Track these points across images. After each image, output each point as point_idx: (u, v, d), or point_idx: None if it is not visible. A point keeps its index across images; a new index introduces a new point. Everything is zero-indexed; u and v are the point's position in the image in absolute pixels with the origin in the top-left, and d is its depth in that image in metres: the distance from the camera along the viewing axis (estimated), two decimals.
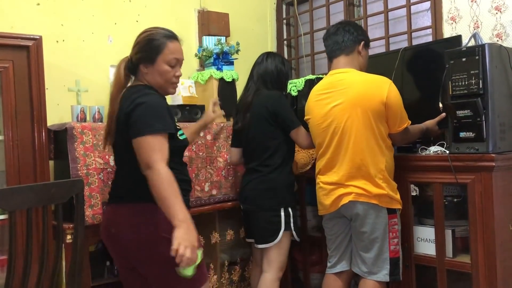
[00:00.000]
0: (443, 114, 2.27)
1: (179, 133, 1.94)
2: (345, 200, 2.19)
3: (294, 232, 2.51)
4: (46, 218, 1.83)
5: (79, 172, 2.32)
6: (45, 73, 2.37)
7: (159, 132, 1.72)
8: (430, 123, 2.35)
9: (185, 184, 1.93)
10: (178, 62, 1.91)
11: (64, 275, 2.27)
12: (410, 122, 2.23)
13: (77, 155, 2.34)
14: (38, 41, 2.33)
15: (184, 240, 1.58)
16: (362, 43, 2.31)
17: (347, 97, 2.19)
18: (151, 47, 1.86)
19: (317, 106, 2.32)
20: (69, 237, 2.25)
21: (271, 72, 2.58)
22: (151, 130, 1.71)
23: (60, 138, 2.44)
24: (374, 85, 2.18)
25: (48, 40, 2.62)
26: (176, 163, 1.87)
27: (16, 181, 2.24)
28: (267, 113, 2.48)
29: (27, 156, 2.29)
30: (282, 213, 2.45)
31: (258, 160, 2.51)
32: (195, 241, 1.62)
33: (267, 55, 2.66)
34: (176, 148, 1.88)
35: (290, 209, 2.48)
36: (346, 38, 2.29)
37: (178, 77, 1.93)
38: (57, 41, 2.77)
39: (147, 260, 1.83)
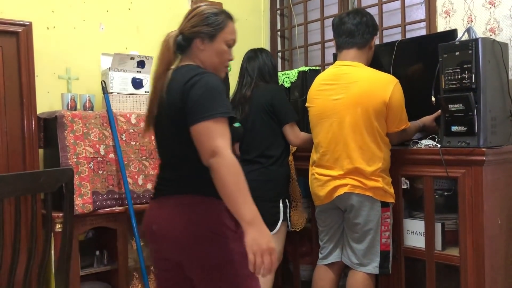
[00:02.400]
0: (440, 111, 2.26)
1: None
2: (341, 191, 2.19)
3: (289, 223, 2.56)
4: (35, 207, 1.81)
5: (69, 161, 2.30)
6: (35, 60, 2.34)
7: (222, 117, 1.51)
8: (427, 119, 2.34)
9: None
10: (234, 44, 1.75)
11: (53, 264, 2.26)
12: (409, 124, 2.23)
13: (67, 144, 2.32)
14: (28, 27, 2.30)
15: (258, 246, 1.41)
16: (375, 37, 2.28)
17: (349, 94, 2.18)
18: (213, 22, 1.66)
19: (318, 96, 2.31)
20: (58, 226, 2.24)
21: (269, 66, 2.63)
22: (213, 114, 1.50)
23: (50, 126, 2.41)
24: (379, 84, 2.16)
25: (39, 27, 2.58)
26: None
27: (5, 169, 2.22)
28: (267, 105, 2.50)
29: (16, 144, 2.27)
30: (281, 204, 2.49)
31: (257, 151, 2.52)
32: (268, 243, 1.42)
33: (259, 50, 2.69)
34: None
35: (287, 200, 2.54)
36: (362, 31, 2.23)
37: (230, 60, 1.76)
38: (47, 28, 2.73)
39: (189, 260, 1.59)
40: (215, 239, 1.55)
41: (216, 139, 1.47)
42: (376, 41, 2.90)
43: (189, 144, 1.54)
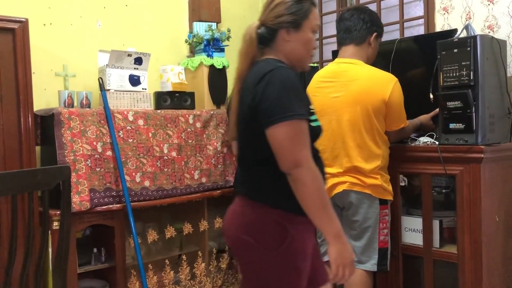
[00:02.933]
0: (438, 110, 2.26)
1: (311, 117, 1.56)
2: (339, 188, 2.19)
3: None
4: (32, 205, 1.80)
5: (66, 158, 2.29)
6: (32, 57, 2.32)
7: (301, 119, 1.42)
8: (424, 118, 2.34)
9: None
10: (318, 31, 1.65)
11: (50, 262, 2.25)
12: (407, 122, 2.23)
13: (64, 141, 2.31)
14: (24, 24, 2.28)
15: (343, 260, 1.45)
16: (375, 34, 2.26)
17: (348, 92, 2.17)
18: (298, 10, 1.54)
19: (317, 93, 2.30)
20: (55, 223, 2.23)
21: None
22: (291, 115, 1.39)
23: (47, 123, 2.40)
24: (378, 83, 2.16)
25: (35, 23, 2.57)
26: None
27: (1, 167, 2.21)
28: None
29: (13, 141, 2.25)
30: None
31: None
32: (350, 255, 1.47)
33: None
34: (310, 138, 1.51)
35: None
36: (359, 27, 2.23)
37: (315, 49, 1.64)
38: (44, 24, 2.71)
39: (235, 257, 1.67)
40: (254, 248, 1.49)
41: (299, 147, 1.40)
42: None
43: (254, 147, 1.50)
